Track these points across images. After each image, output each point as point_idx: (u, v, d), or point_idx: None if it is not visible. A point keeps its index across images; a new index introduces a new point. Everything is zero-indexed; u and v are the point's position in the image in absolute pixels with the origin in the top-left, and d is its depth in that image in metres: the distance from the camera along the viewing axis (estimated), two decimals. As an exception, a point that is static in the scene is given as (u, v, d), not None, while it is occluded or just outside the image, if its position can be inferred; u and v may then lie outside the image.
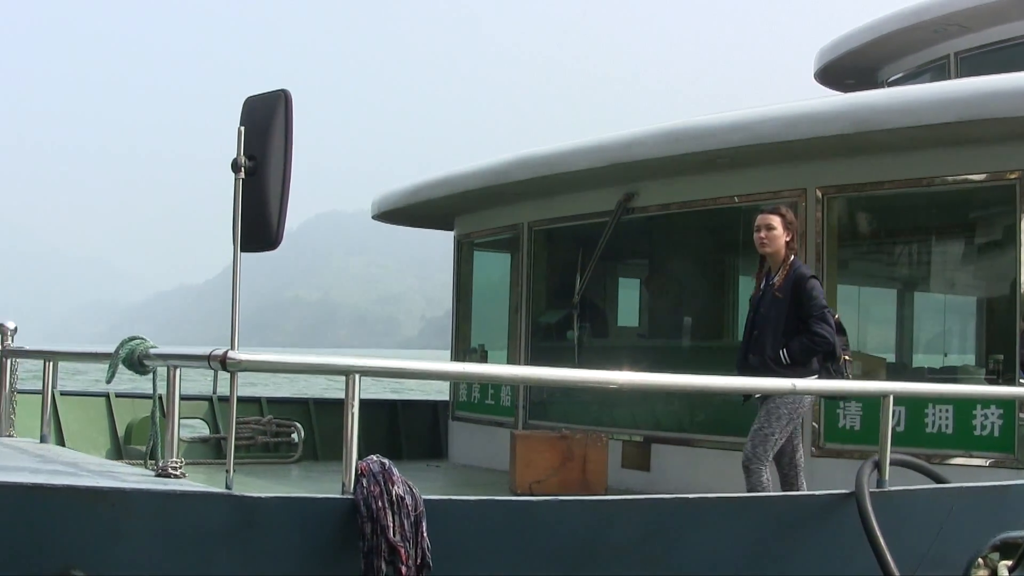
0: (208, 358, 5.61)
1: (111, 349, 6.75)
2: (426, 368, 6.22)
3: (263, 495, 5.56)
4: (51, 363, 8.22)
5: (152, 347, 6.35)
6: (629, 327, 15.11)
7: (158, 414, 6.48)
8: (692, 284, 14.32)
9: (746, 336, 9.48)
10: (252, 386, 16.29)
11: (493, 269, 15.86)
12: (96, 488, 5.43)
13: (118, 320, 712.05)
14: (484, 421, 14.47)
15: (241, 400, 14.88)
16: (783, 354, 8.98)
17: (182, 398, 6.24)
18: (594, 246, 12.85)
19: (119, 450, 13.90)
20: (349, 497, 5.65)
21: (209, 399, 14.73)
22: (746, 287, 13.89)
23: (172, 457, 6.01)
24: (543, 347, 14.03)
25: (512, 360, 14.16)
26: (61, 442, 12.90)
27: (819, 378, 9.04)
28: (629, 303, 15.36)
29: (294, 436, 14.21)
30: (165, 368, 6.23)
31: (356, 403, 5.76)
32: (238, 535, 5.52)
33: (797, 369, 8.90)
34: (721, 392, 9.66)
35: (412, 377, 6.38)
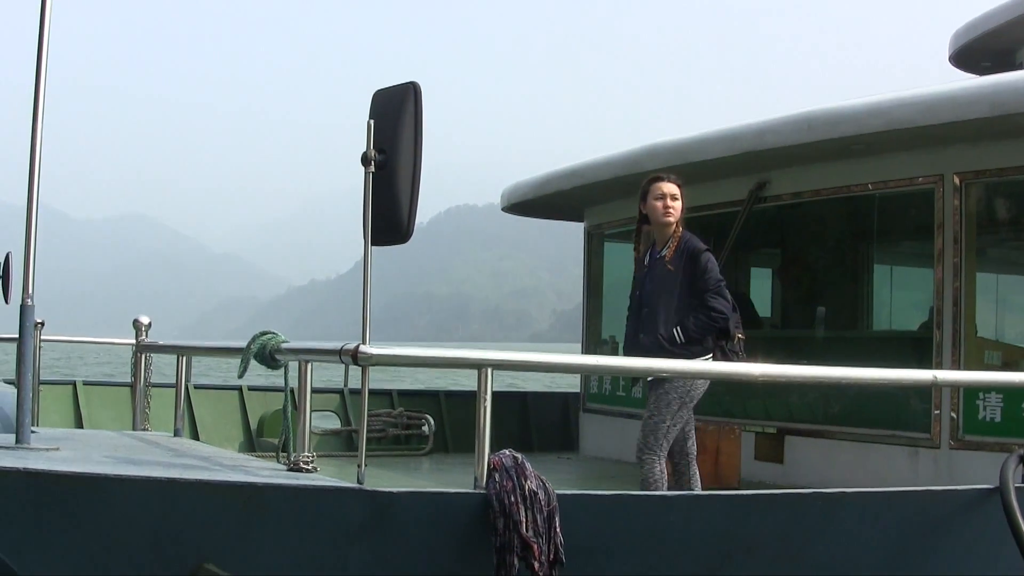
0: (340, 352, 5.62)
1: (239, 344, 6.80)
2: (557, 361, 6.17)
3: (395, 490, 5.55)
4: (184, 358, 8.31)
5: (284, 342, 6.37)
6: (762, 317, 14.93)
7: (290, 408, 6.49)
8: (825, 273, 14.10)
9: (634, 315, 9.00)
10: (382, 379, 16.33)
11: (624, 260, 15.75)
12: (229, 483, 5.46)
13: (253, 316, 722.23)
14: (615, 413, 14.36)
15: (372, 393, 14.94)
16: (677, 332, 8.48)
17: (313, 391, 6.26)
18: (726, 236, 12.67)
19: (251, 443, 14.07)
20: (481, 492, 5.61)
21: (340, 392, 14.84)
22: (881, 276, 13.66)
23: (304, 451, 6.02)
24: (675, 338, 13.89)
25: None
26: (195, 436, 13.09)
27: (714, 358, 8.59)
28: (761, 293, 15.16)
29: (425, 428, 14.21)
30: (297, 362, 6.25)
31: (488, 397, 5.73)
32: (370, 530, 5.52)
33: (692, 348, 8.44)
34: (861, 384, 9.37)
35: (543, 370, 6.33)
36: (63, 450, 6.14)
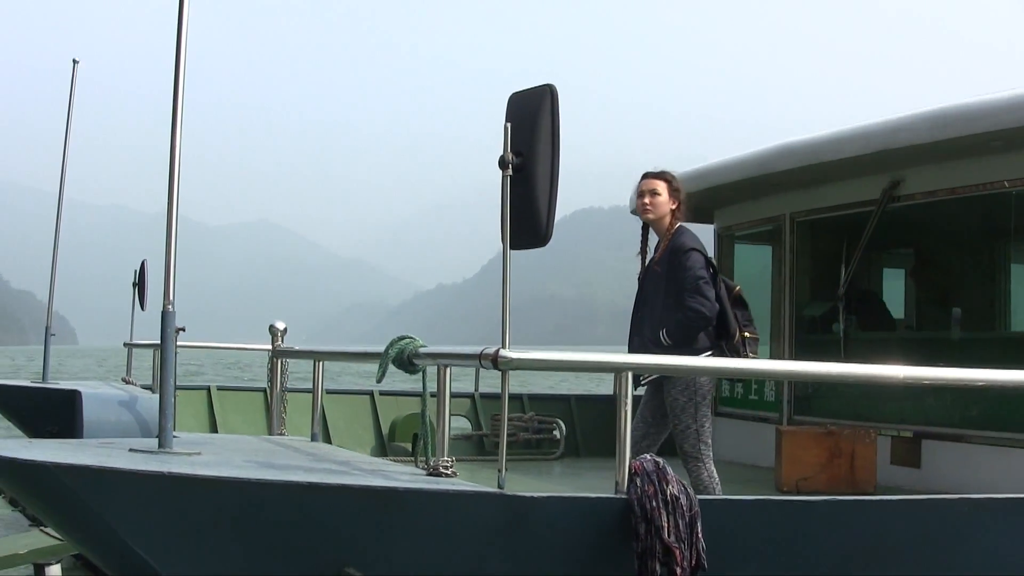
0: (479, 357, 5.62)
1: (375, 348, 6.83)
2: (696, 364, 6.14)
3: (536, 494, 5.54)
4: (320, 363, 8.37)
5: (421, 346, 6.39)
6: (896, 319, 14.70)
7: (427, 412, 6.51)
8: (961, 273, 13.84)
9: (633, 316, 8.79)
10: (511, 383, 16.32)
11: (754, 262, 15.62)
12: (370, 487, 5.49)
13: (381, 321, 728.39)
14: (747, 416, 14.25)
15: (498, 397, 14.98)
16: (663, 334, 8.24)
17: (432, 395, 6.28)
18: (858, 236, 12.51)
19: (383, 447, 14.17)
20: (623, 497, 5.58)
21: (471, 396, 14.90)
22: (1019, 276, 13.37)
23: (443, 456, 6.04)
24: (808, 340, 13.73)
25: (775, 354, 13.90)
26: (327, 440, 13.22)
27: (712, 355, 8.25)
28: (895, 294, 14.94)
29: (556, 433, 14.20)
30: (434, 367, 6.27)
31: (629, 400, 5.70)
32: (510, 534, 5.51)
33: (680, 350, 8.06)
34: (1004, 387, 9.15)
35: (682, 373, 6.31)
36: (204, 454, 6.21)
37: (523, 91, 5.92)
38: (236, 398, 14.68)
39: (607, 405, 14.40)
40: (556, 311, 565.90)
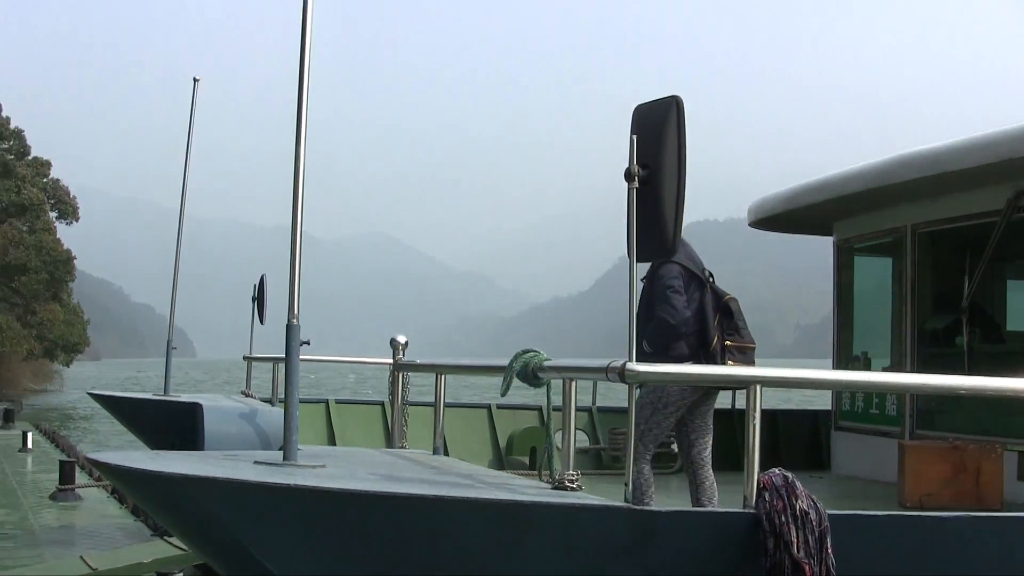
0: (606, 370, 5.60)
1: (497, 362, 6.83)
2: (829, 377, 6.05)
3: (664, 508, 5.52)
4: (442, 376, 8.38)
5: (545, 359, 6.38)
6: (1021, 331, 14.44)
7: (551, 426, 6.49)
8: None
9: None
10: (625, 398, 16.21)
11: (874, 274, 15.44)
12: (496, 500, 5.48)
13: (495, 334, 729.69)
14: (867, 431, 14.05)
15: (617, 411, 14.96)
16: (644, 344, 8.24)
17: (558, 409, 6.24)
18: (982, 248, 12.29)
19: (501, 461, 14.16)
20: (751, 511, 5.53)
21: (588, 410, 14.85)
22: None
23: (568, 469, 6.01)
24: (930, 354, 13.52)
25: (895, 368, 13.71)
26: (446, 453, 13.26)
27: (693, 363, 8.13)
28: (1020, 306, 14.66)
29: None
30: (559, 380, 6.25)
31: (758, 414, 5.65)
32: (637, 549, 5.48)
33: (659, 357, 8.06)
34: None
35: (814, 387, 6.22)
36: (328, 467, 6.25)
37: (648, 103, 5.89)
38: (354, 411, 14.78)
39: (723, 419, 14.29)
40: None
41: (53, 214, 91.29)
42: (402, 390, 8.79)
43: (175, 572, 9.47)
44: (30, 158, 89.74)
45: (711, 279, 8.73)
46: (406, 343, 8.85)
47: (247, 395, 14.73)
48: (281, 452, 6.38)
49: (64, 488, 17.46)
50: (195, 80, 16.79)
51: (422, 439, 8.93)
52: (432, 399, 8.62)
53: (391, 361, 8.96)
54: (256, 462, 6.29)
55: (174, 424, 13.21)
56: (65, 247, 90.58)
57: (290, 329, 6.41)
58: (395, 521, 5.35)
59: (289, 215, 6.42)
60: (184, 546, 9.78)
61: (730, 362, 8.35)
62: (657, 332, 8.33)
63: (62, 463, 18.46)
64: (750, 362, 8.44)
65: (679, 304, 8.33)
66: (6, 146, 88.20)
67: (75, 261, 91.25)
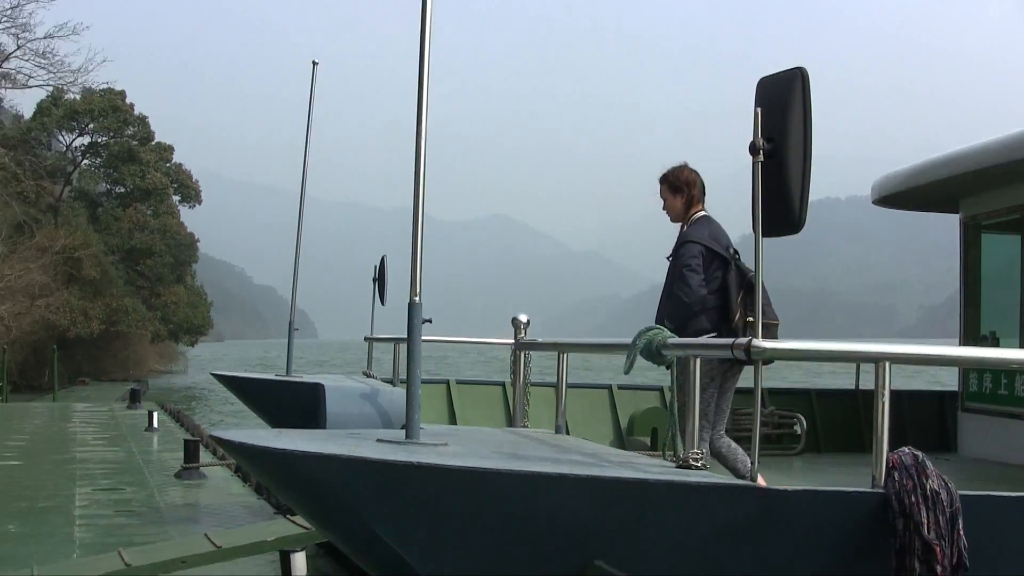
0: (731, 347, 5.51)
1: (620, 340, 6.75)
2: (958, 354, 5.91)
3: (790, 488, 5.42)
4: (565, 355, 8.31)
5: (669, 337, 6.29)
6: None
7: (675, 404, 6.39)
8: None
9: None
10: (750, 378, 16.04)
11: (1002, 252, 15.09)
12: (620, 479, 5.42)
13: (614, 314, 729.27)
14: (995, 412, 13.74)
15: (741, 391, 14.79)
16: (666, 320, 8.37)
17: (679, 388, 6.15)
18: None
19: (621, 441, 14.06)
20: (880, 491, 5.41)
21: None
22: None
23: (693, 448, 5.93)
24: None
25: (1025, 347, 13.38)
26: (566, 432, 13.21)
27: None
28: None
29: (796, 428, 13.89)
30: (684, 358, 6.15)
31: (887, 392, 5.52)
32: (761, 528, 5.41)
33: (680, 333, 7.83)
34: None
35: (943, 363, 6.07)
36: (451, 445, 6.22)
37: (772, 75, 5.76)
38: (475, 392, 14.74)
39: (849, 399, 14.06)
40: (794, 304, 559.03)
41: (176, 198, 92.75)
42: (524, 369, 8.73)
43: (297, 550, 9.51)
44: (153, 143, 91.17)
45: (736, 256, 8.82)
46: (527, 322, 8.79)
47: (368, 375, 14.79)
48: (403, 431, 6.37)
49: (188, 467, 17.69)
50: (314, 63, 16.90)
51: (543, 419, 8.89)
52: (551, 380, 8.57)
53: (512, 341, 8.91)
54: (379, 440, 6.29)
55: (296, 404, 13.32)
56: (188, 230, 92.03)
57: (412, 307, 6.40)
58: (518, 499, 5.31)
59: (409, 197, 6.40)
60: (307, 524, 9.82)
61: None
62: (674, 309, 8.57)
63: (186, 442, 18.70)
64: (773, 338, 8.35)
65: (694, 283, 8.51)
66: (131, 132, 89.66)
67: (198, 244, 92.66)
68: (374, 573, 6.23)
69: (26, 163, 75.54)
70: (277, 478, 5.90)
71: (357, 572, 10.75)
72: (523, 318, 8.81)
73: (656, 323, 8.29)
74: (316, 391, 12.64)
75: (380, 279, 14.51)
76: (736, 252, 8.84)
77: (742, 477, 7.92)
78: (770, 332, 8.55)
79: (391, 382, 13.91)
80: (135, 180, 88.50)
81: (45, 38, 66.43)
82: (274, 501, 14.73)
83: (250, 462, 6.05)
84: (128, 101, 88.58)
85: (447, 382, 14.61)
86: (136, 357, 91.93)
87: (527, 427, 8.67)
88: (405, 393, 6.34)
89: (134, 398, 35.12)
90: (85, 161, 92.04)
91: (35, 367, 73.07)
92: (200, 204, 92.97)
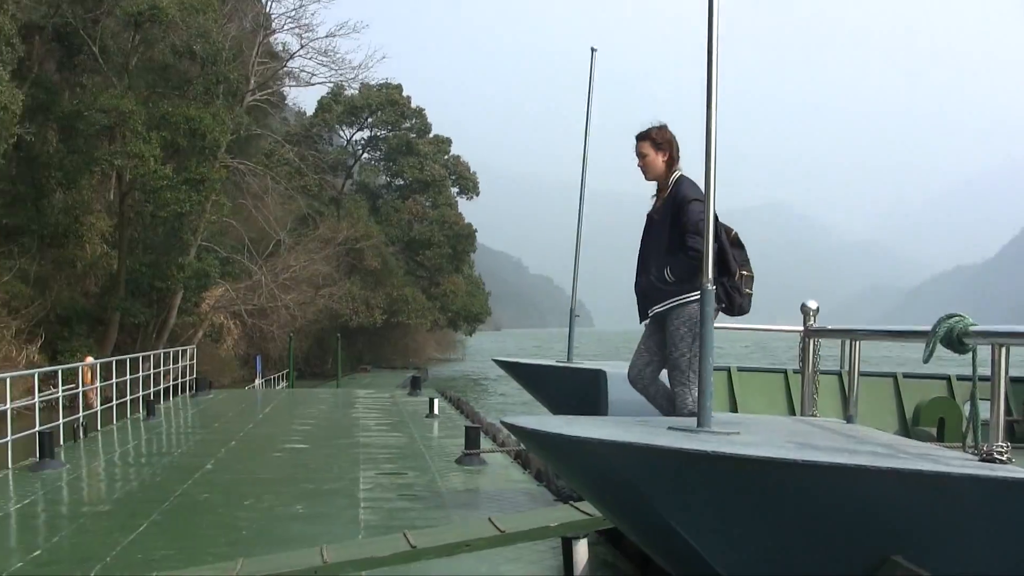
0: None
1: (907, 327, 6.54)
2: None
3: None
4: (856, 342, 8.07)
5: (972, 325, 6.01)
6: None
7: (976, 394, 6.10)
8: None
9: (638, 261, 9.33)
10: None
11: None
12: (921, 472, 5.20)
13: (895, 304, 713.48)
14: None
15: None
16: (666, 272, 8.89)
17: (981, 379, 5.85)
18: None
19: (906, 431, 13.65)
20: None
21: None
22: None
23: (997, 441, 5.65)
24: None
25: None
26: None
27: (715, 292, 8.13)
28: None
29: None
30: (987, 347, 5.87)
31: None
32: None
33: (683, 285, 8.82)
34: None
35: None
36: (742, 434, 6.09)
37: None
38: (756, 379, 14.53)
39: None
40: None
41: (454, 189, 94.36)
42: (813, 357, 8.52)
43: (580, 536, 9.51)
44: (431, 136, 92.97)
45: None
46: (817, 309, 8.59)
47: (651, 363, 14.70)
48: (693, 419, 6.28)
49: (469, 452, 17.92)
50: (592, 50, 16.81)
51: (825, 408, 8.66)
52: (835, 369, 8.35)
53: (799, 328, 8.71)
54: (670, 428, 6.22)
55: (577, 390, 13.33)
56: (466, 221, 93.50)
57: (704, 293, 6.33)
58: (814, 490, 5.15)
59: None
60: (589, 511, 9.82)
61: (747, 291, 9.15)
62: (691, 260, 8.69)
63: (467, 428, 18.95)
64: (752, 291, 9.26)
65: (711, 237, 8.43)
66: (409, 125, 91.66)
67: (476, 235, 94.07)
68: (665, 563, 6.17)
69: (309, 158, 78.05)
70: (570, 465, 5.89)
71: (637, 561, 10.71)
72: (812, 304, 8.61)
73: (648, 280, 9.11)
74: (598, 378, 12.63)
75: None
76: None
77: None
78: (748, 284, 9.19)
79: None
80: (414, 172, 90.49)
81: (327, 37, 68.47)
82: (554, 488, 14.80)
83: (541, 448, 6.07)
84: (405, 95, 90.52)
85: (728, 369, 14.43)
86: (415, 345, 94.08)
87: (816, 416, 8.46)
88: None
89: (415, 385, 35.77)
90: (365, 154, 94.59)
91: (318, 355, 75.60)
92: (478, 195, 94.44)
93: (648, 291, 9.08)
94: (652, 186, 9.31)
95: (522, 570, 10.66)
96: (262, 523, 12.96)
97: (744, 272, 9.13)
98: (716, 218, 8.80)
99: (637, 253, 9.50)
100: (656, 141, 9.16)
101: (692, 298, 8.75)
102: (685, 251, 8.78)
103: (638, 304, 9.32)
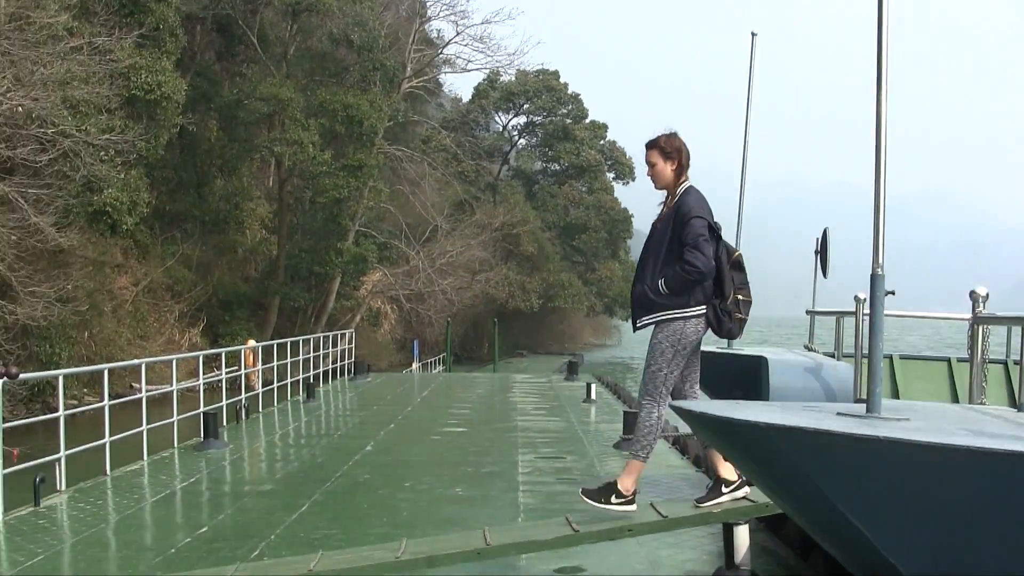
0: None
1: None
2: None
3: None
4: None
5: None
6: None
7: None
8: None
9: (637, 268, 9.32)
10: None
11: None
12: None
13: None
14: None
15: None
16: (660, 283, 8.83)
17: None
18: None
19: None
20: None
21: None
22: None
23: None
24: None
25: None
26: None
27: (705, 313, 8.88)
28: None
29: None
30: None
31: None
32: None
33: (674, 299, 8.83)
34: None
35: None
36: (912, 420, 6.00)
37: None
38: (918, 366, 14.32)
39: None
40: None
41: (610, 175, 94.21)
42: (982, 344, 8.35)
43: (741, 522, 9.48)
44: (587, 121, 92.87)
45: (720, 230, 9.00)
46: (987, 295, 8.42)
47: (810, 349, 14.56)
48: (862, 404, 6.22)
49: (627, 437, 17.88)
50: (753, 35, 16.67)
51: (991, 397, 8.49)
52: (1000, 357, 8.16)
53: (967, 315, 8.55)
54: (839, 414, 6.17)
55: (738, 376, 13.26)
56: (622, 206, 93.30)
57: (874, 279, 6.29)
58: (988, 478, 5.05)
59: (845, 171, 6.23)
60: (751, 497, 9.78)
61: (738, 315, 9.02)
62: (686, 275, 8.71)
63: (625, 414, 18.93)
64: (746, 317, 9.11)
65: (710, 253, 8.81)
66: (565, 111, 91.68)
67: (632, 220, 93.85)
68: (833, 549, 6.12)
69: (465, 144, 78.60)
70: (737, 448, 5.87)
71: (799, 548, 10.62)
72: (982, 291, 8.46)
73: (642, 289, 9.04)
74: (759, 363, 12.57)
75: (822, 252, 14.23)
76: (719, 227, 9.06)
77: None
78: (745, 309, 9.10)
79: (833, 355, 13.64)
80: (570, 158, 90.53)
81: (482, 24, 68.91)
82: (713, 474, 14.73)
83: (710, 432, 6.08)
84: (562, 80, 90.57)
85: (890, 356, 14.24)
86: (571, 330, 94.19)
87: (984, 403, 8.30)
88: (848, 367, 6.19)
89: (572, 370, 35.79)
90: (521, 140, 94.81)
91: (475, 339, 76.11)
92: (634, 180, 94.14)
93: (641, 300, 9.10)
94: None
95: (682, 555, 10.67)
96: (422, 505, 13.10)
97: (740, 296, 9.09)
98: (720, 238, 8.99)
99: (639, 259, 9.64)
100: (665, 150, 9.19)
101: (679, 314, 8.89)
102: (680, 263, 8.79)
103: (631, 312, 9.37)
